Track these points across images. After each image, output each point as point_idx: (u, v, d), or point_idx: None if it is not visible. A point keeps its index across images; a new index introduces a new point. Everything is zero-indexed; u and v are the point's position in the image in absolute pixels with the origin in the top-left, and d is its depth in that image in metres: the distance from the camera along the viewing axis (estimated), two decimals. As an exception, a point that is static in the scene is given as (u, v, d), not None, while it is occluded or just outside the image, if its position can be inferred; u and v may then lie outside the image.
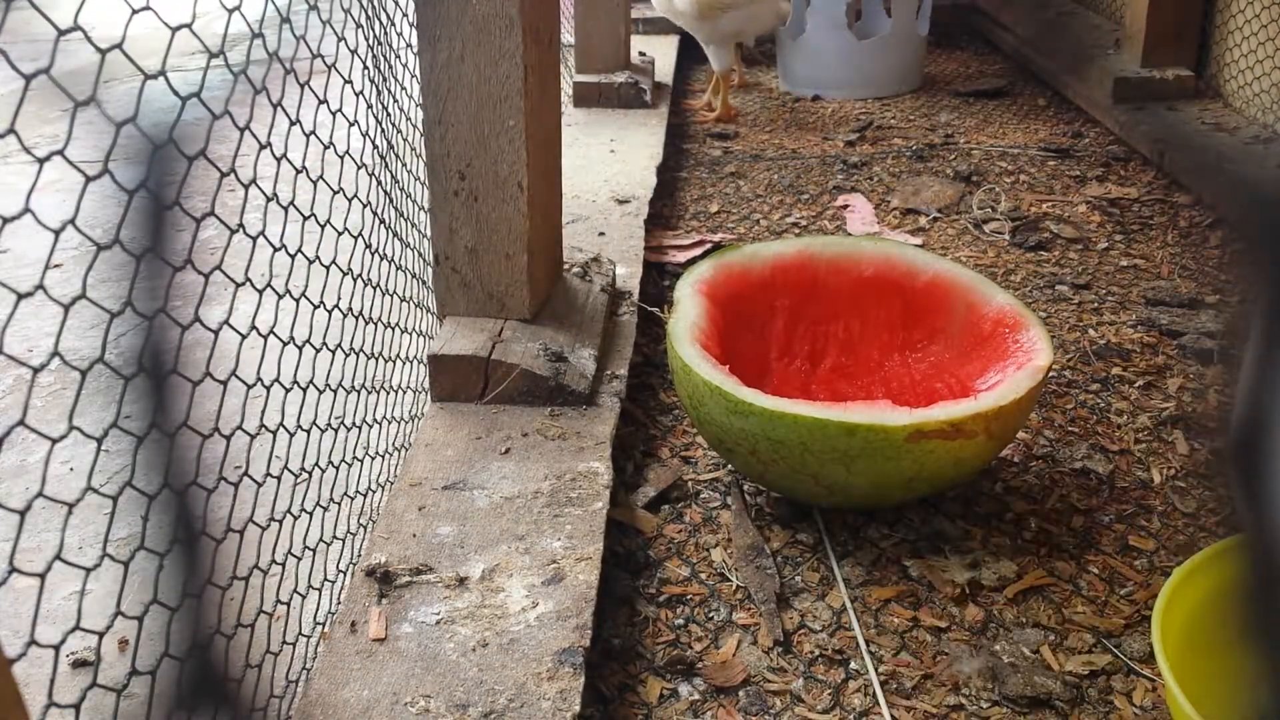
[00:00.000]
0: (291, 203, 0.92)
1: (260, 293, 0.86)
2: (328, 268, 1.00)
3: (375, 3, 1.17)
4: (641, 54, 2.72)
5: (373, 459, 1.12)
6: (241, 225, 0.78)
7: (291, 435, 0.95)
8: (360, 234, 1.09)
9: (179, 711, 0.52)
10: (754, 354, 1.31)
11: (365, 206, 1.10)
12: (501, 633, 0.92)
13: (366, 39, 1.14)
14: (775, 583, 1.07)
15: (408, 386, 1.28)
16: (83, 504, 0.63)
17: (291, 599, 0.92)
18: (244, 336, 0.82)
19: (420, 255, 1.34)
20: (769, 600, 1.05)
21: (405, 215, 1.29)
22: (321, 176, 0.94)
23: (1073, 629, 1.02)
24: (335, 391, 1.05)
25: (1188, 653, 0.84)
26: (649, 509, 1.20)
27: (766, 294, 1.32)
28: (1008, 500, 1.20)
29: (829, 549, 1.13)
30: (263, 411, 0.89)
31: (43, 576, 0.59)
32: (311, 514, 0.99)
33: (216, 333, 0.77)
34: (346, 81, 1.06)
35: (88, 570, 0.64)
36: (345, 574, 1.01)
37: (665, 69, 2.83)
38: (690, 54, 3.09)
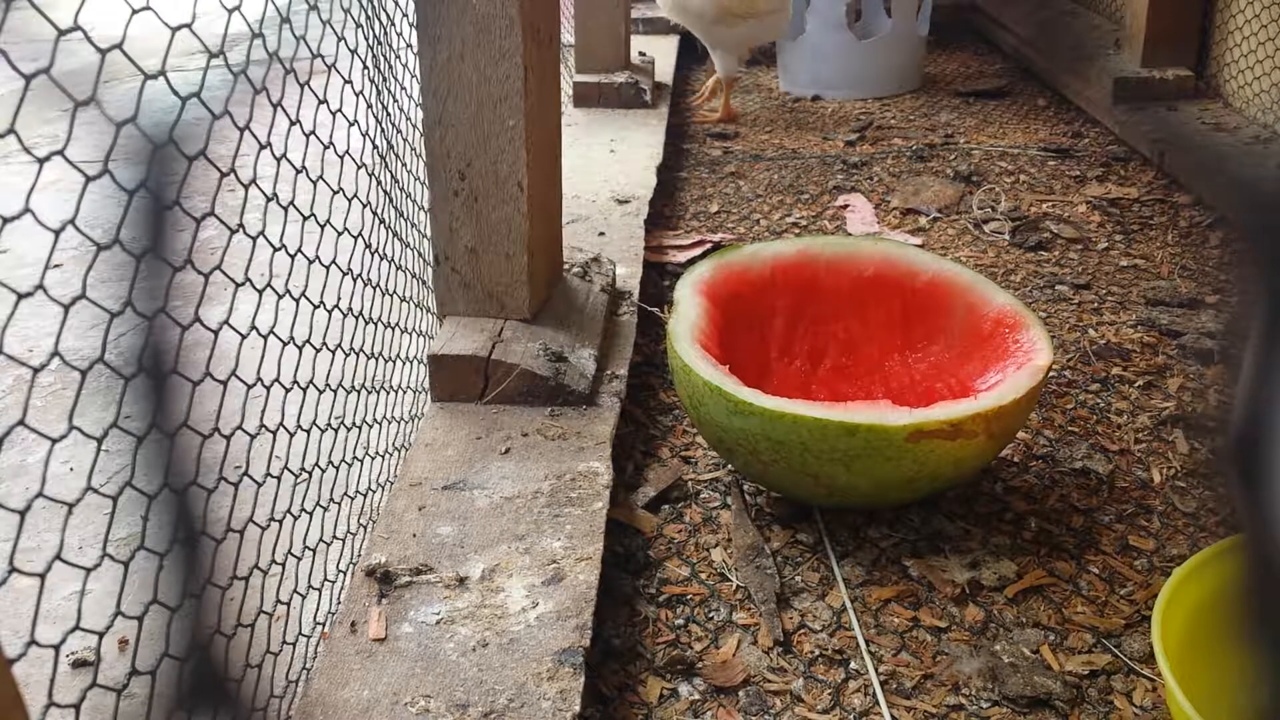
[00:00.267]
0: (291, 203, 0.92)
1: (260, 293, 0.86)
2: (328, 268, 1.00)
3: (375, 3, 1.17)
4: (641, 54, 2.72)
5: (373, 459, 1.12)
6: (241, 225, 0.78)
7: (291, 435, 0.95)
8: (360, 234, 1.09)
9: (179, 711, 0.52)
10: (754, 354, 1.31)
11: (365, 206, 1.10)
12: (501, 633, 0.92)
13: (366, 39, 1.14)
14: (775, 583, 1.07)
15: (408, 386, 1.28)
16: (83, 504, 0.63)
17: (291, 599, 0.92)
18: (244, 336, 0.82)
19: (420, 255, 1.35)
20: (769, 600, 1.05)
21: (405, 215, 1.29)
22: (321, 176, 0.94)
23: (1073, 629, 1.02)
24: (335, 391, 1.05)
25: (1188, 653, 0.84)
26: (649, 509, 1.20)
27: (766, 294, 1.32)
28: (1008, 500, 1.20)
29: (829, 549, 1.13)
30: (263, 411, 0.89)
31: (43, 576, 0.59)
32: (311, 514, 0.99)
33: (216, 333, 0.77)
34: (346, 81, 1.06)
35: (88, 570, 0.64)
36: (345, 574, 1.01)
37: (665, 69, 2.83)
38: (690, 54, 3.09)
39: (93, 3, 0.71)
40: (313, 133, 0.96)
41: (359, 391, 1.11)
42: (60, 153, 0.58)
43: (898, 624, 1.03)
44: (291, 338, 0.93)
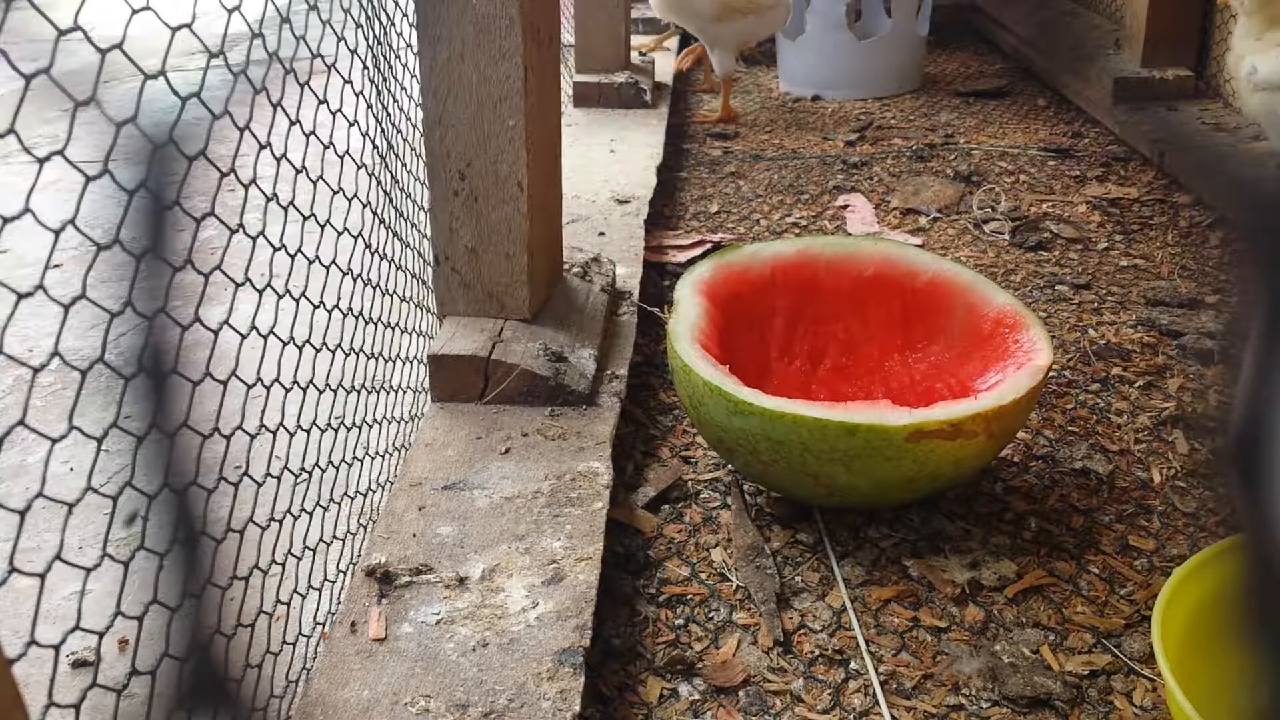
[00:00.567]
0: (291, 203, 0.92)
1: (260, 293, 0.86)
2: (328, 268, 1.00)
3: (375, 3, 1.17)
4: (641, 54, 2.72)
5: (373, 459, 1.12)
6: (241, 225, 0.78)
7: (291, 435, 0.95)
8: (360, 234, 1.09)
9: (179, 711, 0.52)
10: (754, 354, 1.31)
11: (365, 206, 1.10)
12: (501, 633, 0.92)
13: (366, 39, 1.14)
14: (775, 583, 1.07)
15: (408, 386, 1.28)
16: (83, 504, 0.63)
17: (291, 599, 0.92)
18: (244, 336, 0.82)
19: (420, 255, 1.35)
20: (769, 600, 1.05)
21: (405, 215, 1.29)
22: (321, 176, 0.94)
23: (1073, 629, 1.02)
24: (335, 391, 1.05)
25: (1188, 653, 0.84)
26: (649, 509, 1.20)
27: (766, 294, 1.32)
28: (1008, 500, 1.20)
29: (829, 549, 1.13)
30: (263, 411, 0.89)
31: (43, 576, 0.59)
32: (311, 514, 0.99)
33: (216, 333, 0.77)
34: (346, 81, 1.06)
35: (88, 570, 0.64)
36: (345, 574, 1.01)
37: (665, 69, 2.83)
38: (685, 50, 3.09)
39: (93, 3, 0.71)
40: (313, 133, 0.96)
41: (359, 391, 1.11)
42: (60, 153, 0.58)
43: (898, 624, 1.03)
44: (291, 338, 0.93)
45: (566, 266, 1.50)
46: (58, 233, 0.58)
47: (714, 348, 1.18)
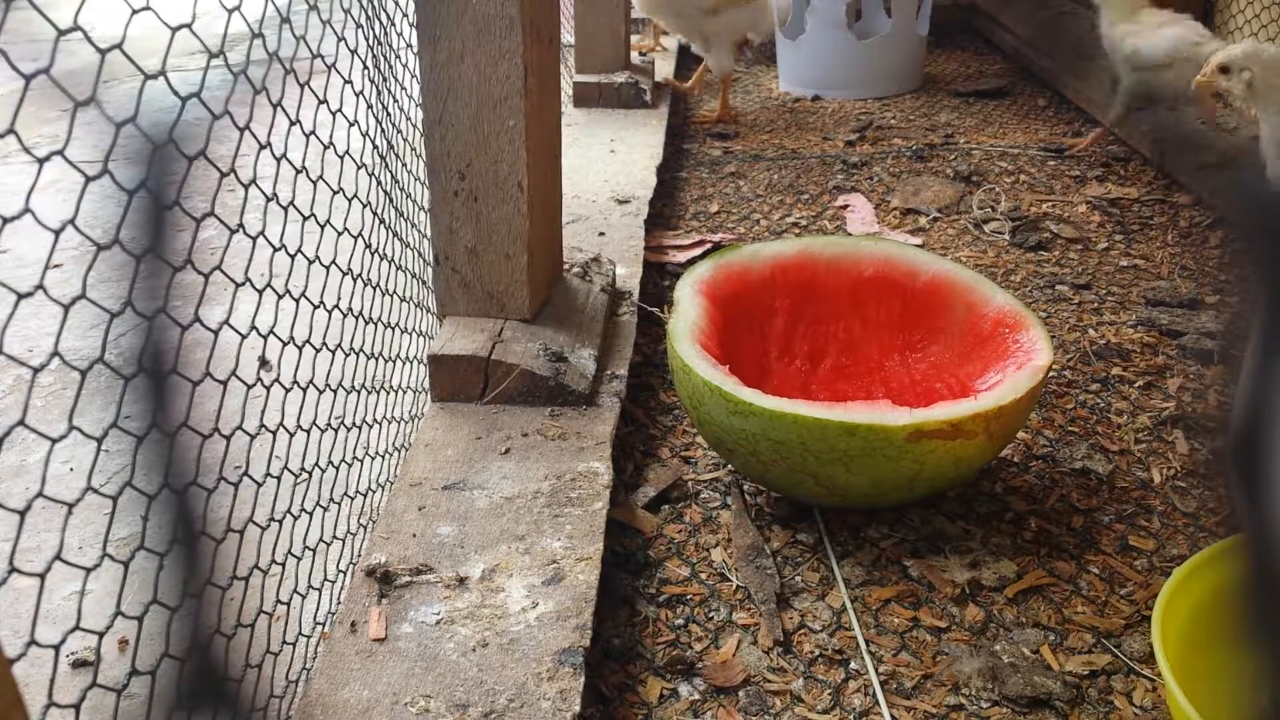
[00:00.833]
0: (291, 203, 0.92)
1: (260, 293, 0.86)
2: (328, 268, 1.00)
3: (375, 3, 1.17)
4: (641, 54, 2.72)
5: (373, 459, 1.12)
6: (241, 225, 0.78)
7: (291, 435, 0.95)
8: (360, 234, 1.09)
9: (179, 711, 0.52)
10: (754, 354, 1.31)
11: (365, 206, 1.10)
12: (501, 633, 0.92)
13: (366, 39, 1.14)
14: (775, 583, 1.07)
15: (408, 386, 1.28)
16: (83, 504, 0.63)
17: (291, 599, 0.92)
18: (244, 336, 0.82)
19: (420, 255, 1.34)
20: (769, 600, 1.05)
21: (405, 215, 1.29)
22: (321, 176, 0.94)
23: (1073, 629, 1.02)
24: (335, 391, 1.05)
25: (1188, 653, 0.84)
26: (649, 509, 1.20)
27: (766, 294, 1.32)
28: (1008, 500, 1.20)
29: (829, 549, 1.13)
30: (263, 411, 0.89)
31: (43, 576, 0.59)
32: (311, 514, 0.99)
33: (216, 333, 0.77)
34: (346, 81, 1.06)
35: (88, 570, 0.64)
36: (345, 574, 1.01)
37: (665, 69, 2.83)
38: (690, 54, 3.09)
39: (93, 3, 0.71)
40: (313, 133, 0.96)
41: (359, 391, 1.11)
42: (60, 153, 0.58)
43: (898, 624, 1.03)
44: (291, 338, 0.93)
45: (566, 266, 1.50)
46: (58, 233, 0.58)
47: (714, 348, 1.18)
